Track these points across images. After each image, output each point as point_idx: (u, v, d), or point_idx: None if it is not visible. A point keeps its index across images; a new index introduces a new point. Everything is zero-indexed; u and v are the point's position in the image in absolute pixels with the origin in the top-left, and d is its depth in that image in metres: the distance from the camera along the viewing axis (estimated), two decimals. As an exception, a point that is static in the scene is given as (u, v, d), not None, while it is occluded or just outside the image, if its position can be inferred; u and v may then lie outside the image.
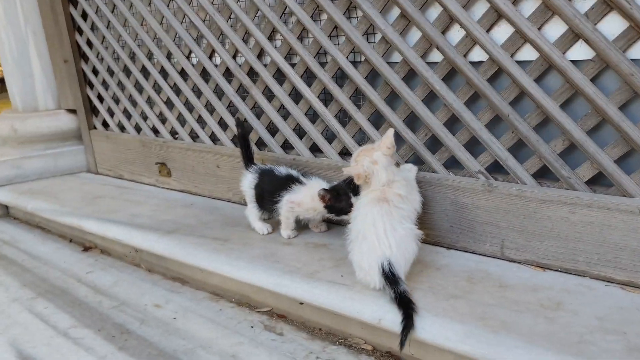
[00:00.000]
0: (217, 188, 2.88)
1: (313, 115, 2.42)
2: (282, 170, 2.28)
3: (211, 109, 2.83)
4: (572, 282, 1.79)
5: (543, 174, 1.88)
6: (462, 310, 1.68)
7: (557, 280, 1.81)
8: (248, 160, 2.39)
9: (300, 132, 2.48)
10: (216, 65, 2.71)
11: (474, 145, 1.98)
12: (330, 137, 2.41)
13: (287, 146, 2.56)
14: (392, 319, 1.69)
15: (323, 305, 1.85)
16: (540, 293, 1.75)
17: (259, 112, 2.63)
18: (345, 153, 2.36)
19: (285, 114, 2.51)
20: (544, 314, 1.63)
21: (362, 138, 2.30)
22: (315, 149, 2.45)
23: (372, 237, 1.73)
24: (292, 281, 1.95)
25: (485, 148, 1.94)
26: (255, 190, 2.32)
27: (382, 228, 1.71)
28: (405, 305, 1.63)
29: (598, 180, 1.78)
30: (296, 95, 2.44)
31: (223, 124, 2.80)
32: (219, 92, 2.76)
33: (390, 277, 1.68)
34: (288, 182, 2.22)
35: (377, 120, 2.22)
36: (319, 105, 2.33)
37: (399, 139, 2.15)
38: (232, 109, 2.75)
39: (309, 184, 2.18)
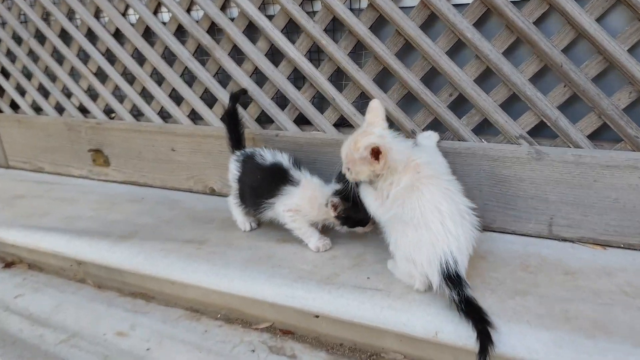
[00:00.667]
0: (173, 176, 2.36)
1: (295, 80, 1.97)
2: (267, 156, 1.78)
3: (159, 79, 2.29)
4: (644, 260, 1.52)
5: (598, 136, 1.57)
6: (537, 310, 1.35)
7: (626, 260, 1.53)
8: (235, 142, 1.88)
9: (282, 102, 2.02)
10: (164, 23, 2.16)
11: (511, 106, 1.64)
12: (320, 105, 1.98)
13: (265, 119, 2.09)
14: (452, 330, 1.33)
15: (354, 319, 1.44)
16: (616, 277, 1.45)
17: (224, 79, 2.13)
18: (342, 124, 1.94)
19: (260, 79, 2.03)
20: (636, 305, 1.34)
21: (363, 104, 1.89)
22: (303, 121, 2.01)
23: (436, 226, 1.33)
24: (307, 291, 1.53)
25: (530, 107, 1.59)
26: (238, 184, 1.85)
27: (449, 214, 1.34)
28: (476, 316, 1.27)
29: (669, 138, 1.49)
30: (274, 56, 1.97)
31: (176, 97, 2.27)
32: (170, 57, 2.22)
33: (453, 278, 1.31)
34: (275, 176, 1.73)
35: (384, 80, 1.81)
36: (307, 66, 1.88)
37: (413, 102, 1.77)
38: (187, 77, 2.22)
39: (303, 182, 1.70)
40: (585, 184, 1.55)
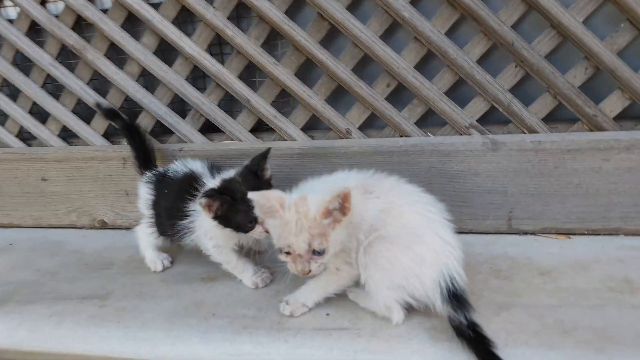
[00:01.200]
0: (48, 212, 1.88)
1: (196, 80, 1.63)
2: (179, 167, 1.43)
3: (12, 92, 1.79)
4: (613, 246, 1.41)
5: (552, 118, 1.43)
6: (530, 325, 1.17)
7: (595, 248, 1.41)
8: (143, 161, 1.51)
9: (182, 108, 1.66)
10: (11, 21, 1.68)
11: (457, 92, 1.45)
12: (229, 109, 1.65)
13: (163, 131, 1.70)
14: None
15: (324, 372, 1.18)
16: (594, 271, 1.33)
17: (102, 86, 1.71)
18: (260, 129, 1.63)
19: (150, 82, 1.65)
20: (628, 302, 1.22)
21: (284, 104, 1.60)
22: (211, 129, 1.66)
23: (432, 239, 1.14)
24: (256, 344, 1.22)
25: (479, 92, 1.42)
26: (153, 210, 1.48)
27: (440, 221, 1.16)
28: (484, 348, 1.06)
29: (624, 115, 1.39)
30: (166, 53, 1.60)
31: (40, 113, 1.79)
32: (24, 64, 1.74)
33: (459, 296, 1.11)
34: (187, 189, 1.36)
35: (308, 74, 1.53)
36: (209, 63, 1.54)
37: (345, 97, 1.52)
38: (52, 87, 1.76)
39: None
40: (546, 171, 1.41)
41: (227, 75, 1.53)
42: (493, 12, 1.33)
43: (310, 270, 1.15)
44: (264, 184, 1.31)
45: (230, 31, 1.47)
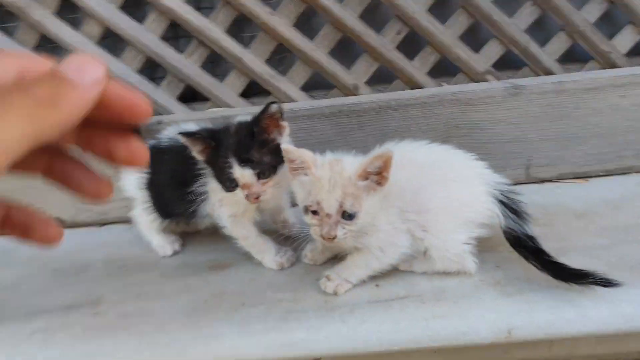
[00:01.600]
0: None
1: (172, 39, 1.39)
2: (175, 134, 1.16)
3: None
4: (632, 184, 1.42)
5: (563, 59, 1.40)
6: (597, 267, 1.07)
7: (616, 187, 1.40)
8: None
9: (151, 75, 1.41)
10: None
11: (470, 37, 1.36)
12: (213, 71, 1.43)
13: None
14: (525, 320, 1.03)
15: (394, 346, 1.03)
16: (626, 208, 1.31)
17: (53, 53, 1.41)
18: (251, 93, 1.43)
19: (114, 45, 1.38)
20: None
21: (280, 60, 1.42)
22: (192, 98, 1.43)
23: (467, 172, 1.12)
24: (309, 329, 1.05)
25: (495, 35, 1.34)
26: (148, 192, 1.23)
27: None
28: (549, 260, 1.05)
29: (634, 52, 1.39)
30: (132, 9, 1.35)
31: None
32: None
33: (516, 209, 1.10)
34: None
35: (307, 23, 1.36)
36: (192, 17, 1.31)
37: (350, 49, 1.37)
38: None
39: None
40: (566, 113, 1.37)
41: (213, 29, 1.32)
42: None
43: (335, 236, 1.01)
44: (265, 150, 1.08)
45: (219, -24, 1.26)
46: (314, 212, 1.04)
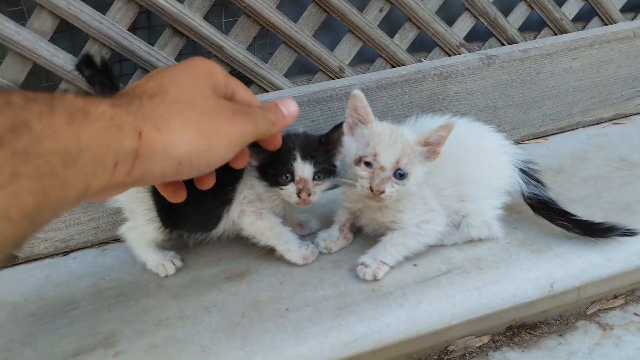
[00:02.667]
0: None
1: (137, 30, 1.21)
2: None
3: None
4: (584, 137, 1.57)
5: (520, 29, 1.50)
6: (596, 214, 1.21)
7: (573, 142, 1.55)
8: None
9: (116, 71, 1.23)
10: None
11: (442, 12, 1.39)
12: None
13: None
14: (564, 273, 1.10)
15: (454, 320, 1.04)
16: (592, 159, 1.46)
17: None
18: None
19: (71, 39, 1.16)
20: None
21: (261, 47, 1.31)
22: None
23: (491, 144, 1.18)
24: (370, 319, 1.01)
25: (467, 8, 1.38)
26: (156, 195, 1.07)
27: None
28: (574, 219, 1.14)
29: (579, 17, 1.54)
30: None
31: None
32: None
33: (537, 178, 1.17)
34: None
35: (286, 7, 1.28)
36: (166, 3, 1.16)
37: (332, 29, 1.32)
38: None
39: None
40: (529, 78, 1.47)
41: (190, 16, 1.18)
42: None
43: (384, 191, 1.01)
44: (325, 158, 1.10)
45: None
46: (367, 164, 1.03)
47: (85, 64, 1.04)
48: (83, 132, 0.50)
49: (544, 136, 1.58)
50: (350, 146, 1.08)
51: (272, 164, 1.07)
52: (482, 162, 1.13)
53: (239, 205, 1.11)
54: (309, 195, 1.07)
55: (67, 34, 1.15)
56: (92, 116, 0.52)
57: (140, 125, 0.57)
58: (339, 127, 1.09)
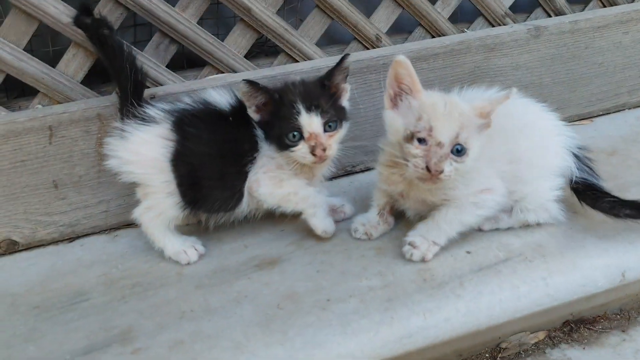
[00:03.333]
0: None
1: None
2: (205, 99, 0.97)
3: None
4: (632, 118, 1.46)
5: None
6: None
7: (620, 124, 1.43)
8: (134, 93, 0.94)
9: (138, 35, 1.10)
10: None
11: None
12: (212, 30, 1.15)
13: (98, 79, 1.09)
14: (636, 259, 0.99)
15: (517, 313, 0.93)
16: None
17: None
18: (256, 53, 1.19)
19: None
20: None
21: (290, 12, 1.19)
22: (188, 64, 1.15)
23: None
24: (424, 313, 0.89)
25: (513, -26, 1.27)
26: (181, 167, 0.95)
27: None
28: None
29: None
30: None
31: None
32: None
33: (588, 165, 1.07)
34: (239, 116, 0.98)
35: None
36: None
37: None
38: None
39: None
40: (577, 53, 1.36)
41: (213, -27, 1.05)
42: None
43: (443, 170, 0.88)
44: (331, 102, 0.98)
45: None
46: (421, 141, 0.90)
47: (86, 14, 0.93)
48: None
49: (589, 117, 1.46)
50: (394, 121, 0.94)
51: (275, 121, 0.96)
52: (535, 142, 1.02)
53: (254, 175, 0.99)
54: (325, 150, 0.95)
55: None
56: None
57: None
58: (342, 60, 0.97)
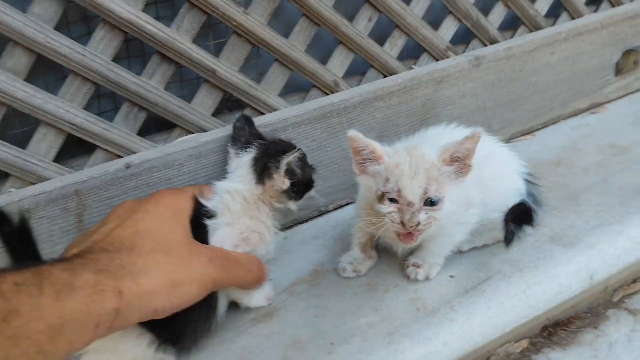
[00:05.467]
0: None
1: (121, 60, 1.10)
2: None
3: None
4: (567, 129, 1.59)
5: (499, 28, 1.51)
6: (611, 200, 1.24)
7: (560, 135, 1.56)
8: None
9: (107, 104, 1.10)
10: None
11: (425, 17, 1.38)
12: (178, 92, 1.17)
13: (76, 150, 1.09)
14: (602, 262, 1.09)
15: (507, 327, 0.99)
16: (586, 148, 1.47)
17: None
18: (217, 112, 1.22)
19: (44, 76, 1.03)
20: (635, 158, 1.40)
21: (251, 67, 1.23)
22: (155, 127, 1.16)
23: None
24: (422, 346, 0.94)
25: (450, 12, 1.37)
26: None
27: None
28: None
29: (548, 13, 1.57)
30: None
31: None
32: None
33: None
34: None
35: (278, 18, 1.21)
36: (154, 28, 1.05)
37: (323, 42, 1.27)
38: None
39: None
40: (514, 76, 1.48)
41: (180, 40, 1.08)
42: None
43: (419, 222, 0.91)
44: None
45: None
46: (392, 200, 0.94)
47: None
48: (67, 307, 0.58)
49: (530, 132, 1.59)
50: (366, 183, 0.98)
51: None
52: (495, 169, 1.09)
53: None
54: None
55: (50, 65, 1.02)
56: (76, 287, 0.60)
57: (120, 284, 0.64)
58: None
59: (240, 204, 0.97)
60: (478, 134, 0.92)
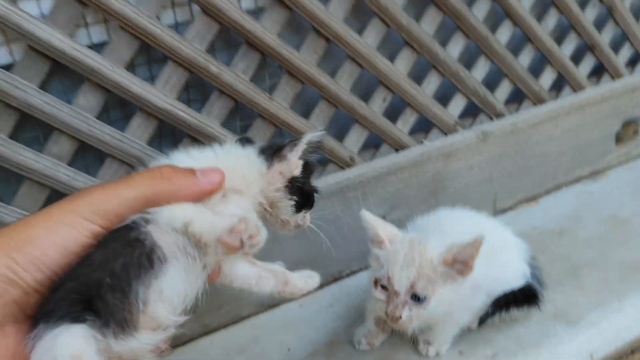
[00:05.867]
0: None
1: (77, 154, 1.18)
2: None
3: None
4: (570, 196, 1.67)
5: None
6: (612, 275, 1.33)
7: (563, 203, 1.64)
8: None
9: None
10: None
11: (436, 93, 1.46)
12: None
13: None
14: (603, 340, 1.15)
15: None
16: (587, 218, 1.55)
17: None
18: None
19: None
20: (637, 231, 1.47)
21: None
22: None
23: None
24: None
25: (459, 89, 1.46)
26: None
27: None
28: None
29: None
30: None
31: None
32: None
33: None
34: None
35: (299, 101, 1.29)
36: (186, 114, 1.13)
37: (339, 121, 1.35)
38: None
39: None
40: (519, 149, 1.56)
41: (209, 124, 1.17)
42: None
43: (400, 317, 0.96)
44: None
45: (215, 67, 1.12)
46: (383, 287, 0.99)
47: None
48: None
49: (534, 199, 1.66)
50: (372, 263, 1.05)
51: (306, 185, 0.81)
52: (505, 260, 1.14)
53: None
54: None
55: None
56: None
57: None
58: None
59: None
60: (480, 240, 0.94)
